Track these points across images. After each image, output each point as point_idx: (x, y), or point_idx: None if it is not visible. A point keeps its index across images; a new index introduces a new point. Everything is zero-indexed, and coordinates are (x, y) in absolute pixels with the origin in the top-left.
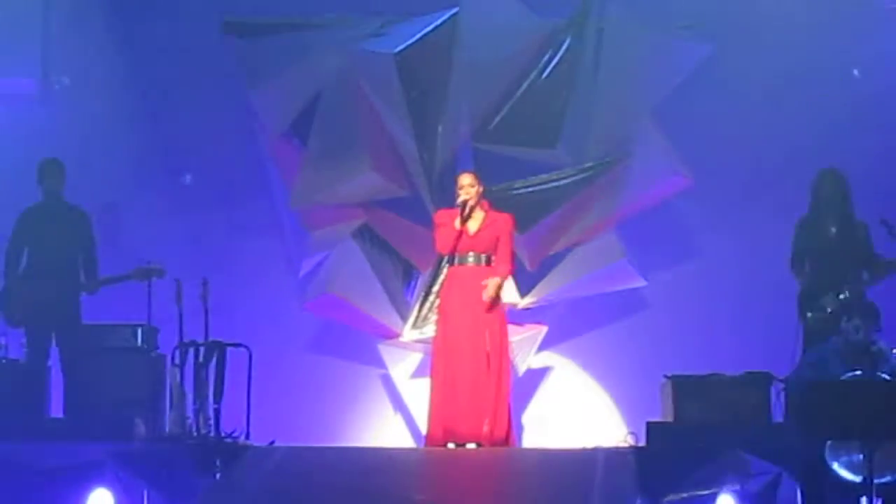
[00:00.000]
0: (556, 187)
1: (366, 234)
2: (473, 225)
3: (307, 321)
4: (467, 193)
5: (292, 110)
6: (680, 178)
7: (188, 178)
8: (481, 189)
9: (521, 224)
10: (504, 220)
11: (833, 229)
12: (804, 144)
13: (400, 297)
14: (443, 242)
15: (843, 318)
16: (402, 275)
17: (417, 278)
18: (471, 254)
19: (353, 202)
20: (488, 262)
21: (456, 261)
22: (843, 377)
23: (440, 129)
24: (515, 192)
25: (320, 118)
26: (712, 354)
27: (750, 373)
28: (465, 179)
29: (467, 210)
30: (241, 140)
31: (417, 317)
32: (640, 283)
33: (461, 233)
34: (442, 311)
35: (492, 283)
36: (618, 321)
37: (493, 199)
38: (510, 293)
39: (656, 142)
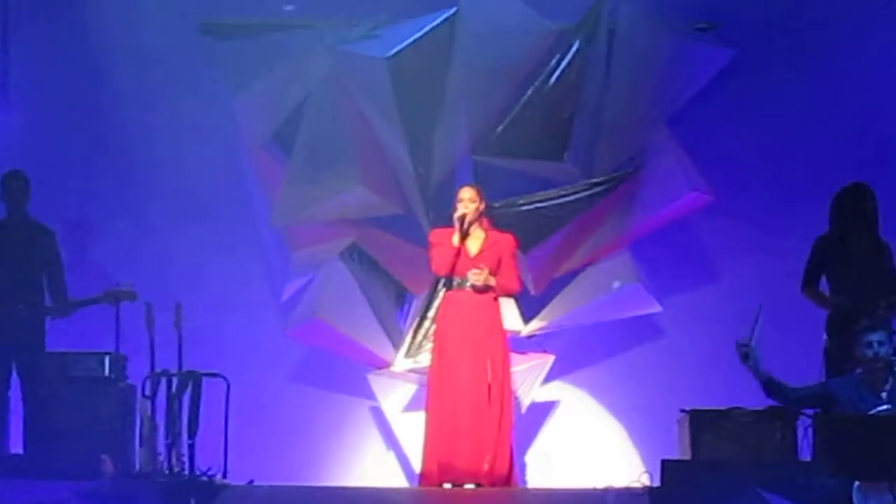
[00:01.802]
0: (564, 203)
1: (355, 255)
2: (474, 245)
3: (290, 349)
4: (466, 208)
5: (275, 118)
6: (699, 195)
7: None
8: (482, 206)
9: (525, 243)
10: (506, 240)
11: (859, 248)
12: (833, 157)
13: (392, 322)
14: (439, 263)
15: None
16: (395, 299)
17: (411, 302)
18: (465, 276)
19: (340, 219)
20: (489, 287)
21: (454, 284)
22: (872, 411)
23: (437, 140)
24: (519, 208)
25: (305, 127)
26: (733, 386)
27: (774, 407)
28: (466, 193)
29: (465, 224)
30: (218, 152)
31: (411, 344)
32: (655, 308)
33: (459, 252)
34: (438, 338)
35: (483, 273)
36: (631, 350)
37: (494, 216)
38: (513, 319)
39: (673, 154)
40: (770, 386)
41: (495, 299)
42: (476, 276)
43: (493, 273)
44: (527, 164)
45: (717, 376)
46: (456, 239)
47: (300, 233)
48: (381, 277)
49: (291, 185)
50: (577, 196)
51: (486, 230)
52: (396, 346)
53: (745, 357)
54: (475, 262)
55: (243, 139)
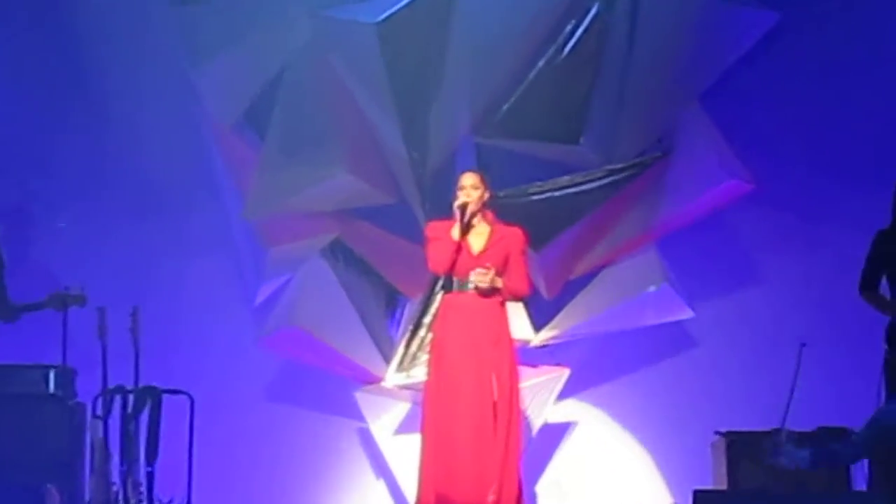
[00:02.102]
0: (580, 193)
1: (339, 252)
2: (477, 241)
3: (264, 361)
4: (468, 196)
5: (246, 95)
6: (737, 182)
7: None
8: (487, 195)
9: (537, 239)
10: (514, 235)
11: None
12: (891, 136)
13: (382, 331)
14: (437, 260)
15: None
16: (385, 303)
17: (404, 307)
18: (472, 277)
19: (323, 211)
20: (495, 289)
21: (454, 286)
22: None
23: (434, 119)
24: (528, 198)
25: (281, 105)
26: (776, 404)
27: (824, 428)
28: (468, 180)
29: (467, 215)
30: (180, 134)
31: (404, 356)
32: (686, 313)
33: (460, 248)
34: (436, 348)
35: (490, 274)
36: (658, 362)
37: (501, 207)
38: (522, 327)
39: (707, 136)
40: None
41: (502, 304)
42: (481, 277)
43: (499, 273)
44: (537, 148)
45: (758, 392)
46: (456, 232)
47: (276, 227)
48: (370, 278)
49: (265, 173)
50: (596, 184)
51: (490, 223)
52: (387, 358)
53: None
54: (479, 260)
55: (209, 120)
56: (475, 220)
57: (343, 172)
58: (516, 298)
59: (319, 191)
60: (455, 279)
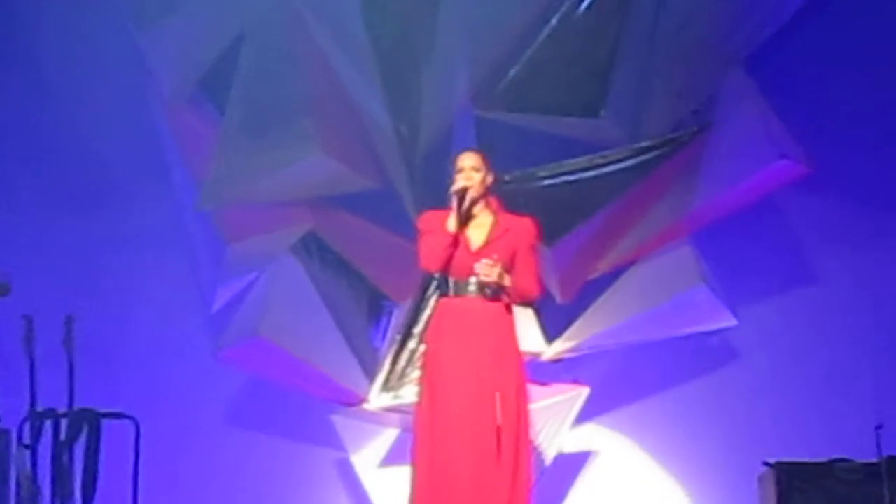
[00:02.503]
0: (601, 176)
1: (313, 248)
2: (478, 234)
3: (224, 379)
4: (468, 179)
5: (202, 62)
6: (789, 163)
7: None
8: (490, 179)
9: (549, 232)
10: (523, 226)
11: None
12: None
13: (365, 342)
14: (429, 255)
15: None
16: (369, 309)
17: (391, 314)
18: (473, 279)
19: (293, 199)
20: (498, 291)
21: (451, 288)
22: None
23: (426, 90)
24: (540, 183)
25: (243, 74)
26: (833, 430)
27: (893, 458)
28: (468, 160)
29: (467, 202)
30: (126, 110)
31: (391, 373)
32: (728, 321)
33: (457, 241)
34: (429, 363)
35: (497, 268)
36: (694, 379)
37: (506, 194)
38: (532, 337)
39: (754, 108)
40: None
41: (508, 309)
42: (486, 270)
43: (505, 272)
44: (550, 122)
45: (812, 415)
46: (452, 223)
47: (238, 219)
48: (350, 279)
49: (225, 154)
50: (620, 166)
51: (494, 212)
52: (371, 374)
53: None
54: (478, 256)
55: (158, 92)
56: (476, 209)
57: (317, 152)
58: (525, 303)
59: (289, 175)
60: (451, 280)
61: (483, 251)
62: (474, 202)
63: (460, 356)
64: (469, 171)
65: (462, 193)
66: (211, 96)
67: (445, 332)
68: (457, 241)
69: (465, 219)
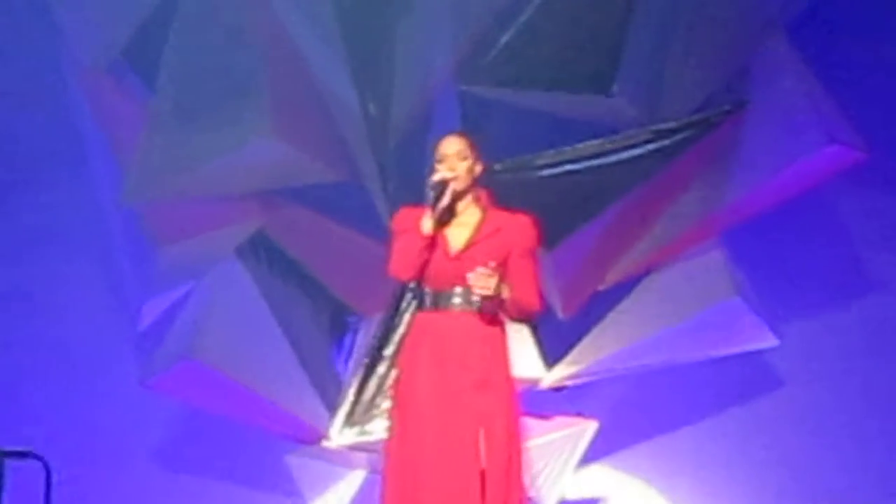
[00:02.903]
0: (613, 165)
1: (262, 252)
2: (459, 235)
3: (154, 410)
4: (451, 169)
5: (126, 25)
6: (841, 149)
7: None
8: (479, 169)
9: (550, 232)
10: (519, 225)
11: None
12: None
13: (324, 366)
14: (400, 261)
15: None
16: (329, 325)
17: (357, 332)
18: (457, 289)
19: (238, 192)
20: (483, 302)
21: (429, 301)
22: None
23: (400, 60)
24: (537, 173)
25: (177, 39)
26: None
27: None
28: (452, 146)
29: (447, 197)
30: (33, 82)
31: (356, 404)
32: (768, 341)
33: (433, 243)
34: (402, 393)
35: (495, 277)
36: (724, 411)
37: (498, 186)
38: (529, 361)
39: (798, 83)
40: None
41: (501, 326)
42: (482, 281)
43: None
44: (549, 100)
45: (871, 452)
46: (428, 222)
47: (170, 216)
48: (307, 289)
49: (155, 136)
50: (635, 152)
51: (483, 209)
52: (332, 405)
53: None
54: (459, 262)
55: (73, 61)
56: (460, 205)
57: (268, 135)
58: (522, 320)
59: (234, 162)
60: (429, 290)
61: (464, 255)
62: (458, 197)
63: (439, 384)
64: (453, 160)
65: (442, 187)
66: (137, 67)
67: (422, 355)
68: (433, 243)
69: (446, 217)
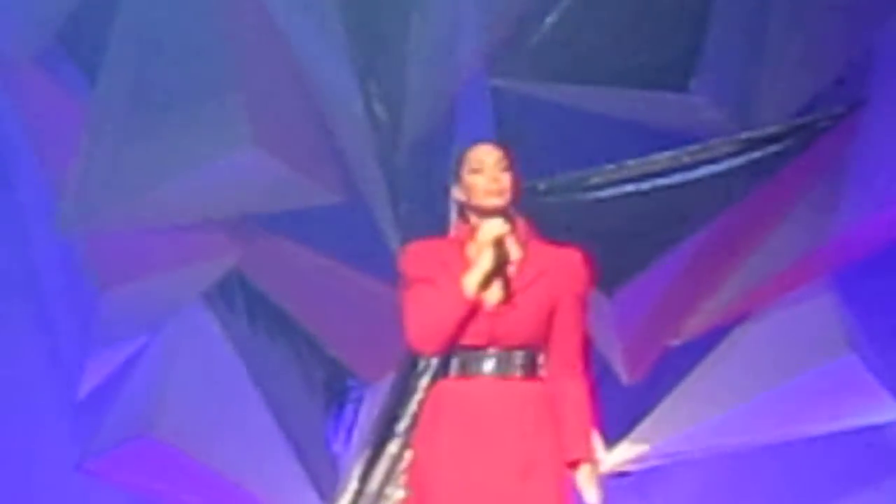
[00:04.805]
0: (690, 184)
1: (237, 297)
2: (495, 280)
3: (94, 499)
4: (497, 186)
5: (58, 3)
6: None
7: None
8: (516, 188)
9: (609, 272)
10: (569, 263)
11: None
12: None
13: (317, 444)
14: (430, 330)
15: None
16: (324, 392)
17: (360, 401)
18: (491, 350)
19: (207, 220)
20: (532, 366)
21: (454, 364)
22: None
23: (413, 52)
24: (592, 196)
25: (126, 20)
26: None
27: None
28: (490, 153)
29: (502, 255)
30: None
31: (360, 494)
32: (894, 413)
33: (476, 309)
34: (420, 480)
35: (585, 473)
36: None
37: (540, 210)
38: None
39: None
40: None
41: (547, 396)
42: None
43: (537, 341)
44: (606, 98)
45: None
46: (474, 280)
47: (118, 250)
48: (294, 346)
49: (99, 146)
50: (720, 167)
51: (522, 242)
52: (328, 495)
53: None
54: (499, 318)
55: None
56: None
57: (247, 146)
58: None
59: (202, 180)
60: (455, 352)
61: (503, 308)
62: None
63: (469, 470)
64: (494, 170)
65: (497, 244)
66: (76, 54)
67: (445, 433)
68: (475, 309)
69: (498, 272)
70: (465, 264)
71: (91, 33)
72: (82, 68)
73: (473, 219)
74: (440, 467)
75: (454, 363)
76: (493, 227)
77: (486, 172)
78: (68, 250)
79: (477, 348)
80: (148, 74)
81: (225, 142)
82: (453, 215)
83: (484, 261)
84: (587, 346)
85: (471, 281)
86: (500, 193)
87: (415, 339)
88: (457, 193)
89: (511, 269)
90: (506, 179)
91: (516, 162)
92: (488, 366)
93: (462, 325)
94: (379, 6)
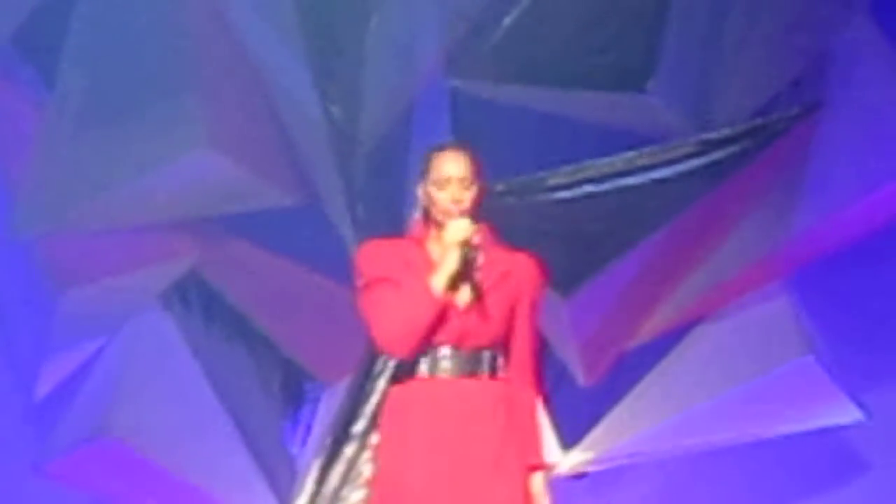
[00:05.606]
0: (647, 185)
1: (193, 298)
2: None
3: (51, 500)
4: (460, 197)
5: (14, 5)
6: None
7: None
8: (479, 192)
9: (566, 274)
10: (525, 266)
11: None
12: None
13: (274, 446)
14: (401, 332)
15: None
16: (281, 394)
17: (317, 401)
18: (461, 350)
19: (163, 222)
20: (496, 366)
21: (421, 365)
22: None
23: (371, 52)
24: (551, 196)
25: (82, 19)
26: None
27: None
28: (457, 166)
29: (469, 256)
30: None
31: (317, 495)
32: (850, 414)
33: (446, 310)
34: (381, 483)
35: (538, 481)
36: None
37: (499, 212)
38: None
39: (886, 78)
40: None
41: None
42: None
43: (498, 343)
44: (564, 100)
45: None
46: (441, 280)
47: (74, 252)
48: (252, 347)
49: (55, 149)
50: (678, 169)
51: (484, 244)
52: (285, 498)
53: None
54: (469, 318)
55: None
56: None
57: (203, 147)
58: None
59: (158, 182)
60: (427, 354)
61: (474, 308)
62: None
63: (438, 469)
64: (458, 190)
65: (468, 247)
66: (32, 56)
67: (415, 432)
68: (446, 309)
69: (463, 276)
70: (429, 264)
71: (47, 35)
72: (39, 70)
73: (440, 216)
74: (411, 467)
75: (422, 363)
76: (461, 229)
77: (449, 190)
78: (24, 252)
79: (446, 347)
80: (103, 76)
81: (180, 143)
82: (416, 212)
83: (451, 261)
84: (542, 348)
85: (438, 281)
86: (461, 212)
87: (385, 341)
88: (422, 195)
89: (477, 270)
90: (468, 197)
91: (482, 167)
92: (458, 365)
93: (433, 326)
94: (336, 7)
